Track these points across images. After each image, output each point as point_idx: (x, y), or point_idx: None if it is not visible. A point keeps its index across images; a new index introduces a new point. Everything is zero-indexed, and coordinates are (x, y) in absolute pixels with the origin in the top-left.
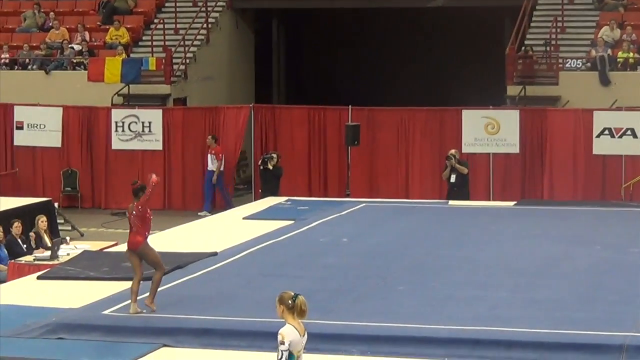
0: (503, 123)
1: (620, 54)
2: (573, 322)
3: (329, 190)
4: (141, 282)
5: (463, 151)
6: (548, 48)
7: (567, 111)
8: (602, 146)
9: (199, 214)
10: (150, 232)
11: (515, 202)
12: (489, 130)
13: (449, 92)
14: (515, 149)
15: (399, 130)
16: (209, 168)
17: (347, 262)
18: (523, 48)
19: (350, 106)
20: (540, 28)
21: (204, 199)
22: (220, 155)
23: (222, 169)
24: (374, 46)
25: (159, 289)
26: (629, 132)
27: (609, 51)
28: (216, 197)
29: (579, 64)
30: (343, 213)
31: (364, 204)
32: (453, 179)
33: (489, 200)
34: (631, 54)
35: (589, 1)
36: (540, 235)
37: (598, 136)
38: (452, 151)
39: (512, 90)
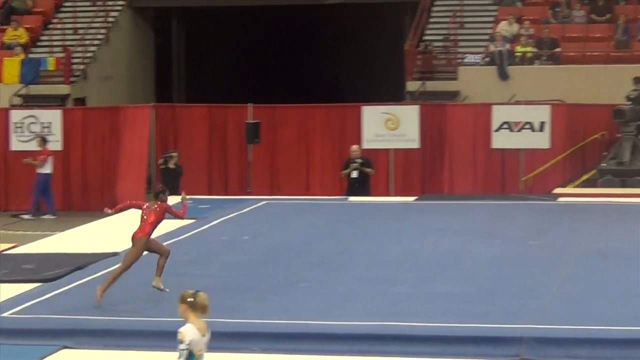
0: (403, 119)
1: (518, 48)
2: (474, 315)
3: (230, 189)
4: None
5: (364, 147)
6: (447, 43)
7: (467, 106)
8: (501, 140)
9: (22, 217)
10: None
11: (416, 197)
12: (389, 126)
13: (350, 88)
14: (416, 144)
15: (300, 127)
16: (41, 171)
17: (248, 260)
18: (422, 43)
19: (250, 104)
20: (439, 23)
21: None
22: (46, 158)
23: (49, 172)
24: (274, 43)
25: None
26: (527, 126)
27: (508, 46)
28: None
29: (477, 59)
30: (244, 211)
31: (265, 202)
32: (355, 174)
33: (390, 195)
34: (529, 48)
35: None
36: (442, 230)
37: (497, 130)
38: (354, 147)
39: (412, 85)
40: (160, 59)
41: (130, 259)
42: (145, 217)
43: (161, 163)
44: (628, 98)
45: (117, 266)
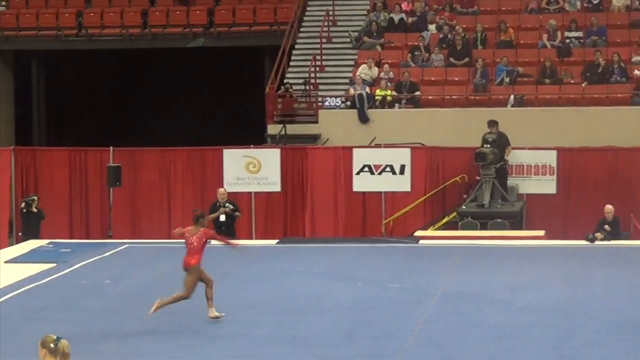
0: (264, 162)
1: (378, 91)
2: (335, 358)
3: (91, 232)
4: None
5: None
6: (307, 87)
7: (327, 149)
8: (362, 183)
9: None
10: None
11: (277, 241)
12: (250, 169)
13: (211, 131)
14: (277, 188)
15: (161, 170)
16: None
17: (109, 304)
18: (283, 87)
19: (111, 147)
20: (300, 67)
21: None
22: None
23: None
24: (136, 86)
25: None
26: (388, 169)
27: (368, 89)
28: None
29: (338, 102)
30: (105, 255)
31: (127, 245)
32: (223, 217)
33: (252, 238)
34: (389, 92)
35: (347, 40)
36: (303, 273)
37: (358, 173)
38: (221, 190)
39: (273, 129)
40: (20, 101)
41: (191, 286)
42: (192, 243)
43: (23, 207)
44: (486, 141)
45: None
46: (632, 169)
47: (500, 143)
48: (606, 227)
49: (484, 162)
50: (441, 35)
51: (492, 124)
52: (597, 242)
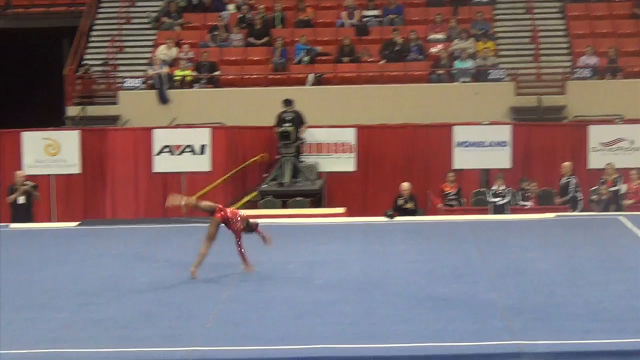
0: (63, 144)
1: (177, 72)
2: (134, 339)
3: None
4: None
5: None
6: (106, 68)
7: (127, 130)
8: (162, 164)
9: None
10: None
11: (78, 223)
12: (49, 152)
13: (9, 114)
14: (77, 170)
15: None
16: None
17: None
18: (81, 68)
19: None
20: (98, 48)
21: None
22: None
23: None
24: None
25: None
26: (188, 149)
27: (167, 69)
28: None
29: (137, 83)
30: None
31: None
32: (22, 200)
33: (52, 221)
34: (188, 72)
35: (146, 21)
36: (102, 255)
37: (158, 154)
38: (20, 173)
39: (72, 110)
40: None
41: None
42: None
43: None
44: (284, 119)
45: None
46: (430, 146)
47: (296, 121)
48: (402, 202)
49: (288, 141)
50: (240, 15)
51: (288, 102)
52: (395, 219)
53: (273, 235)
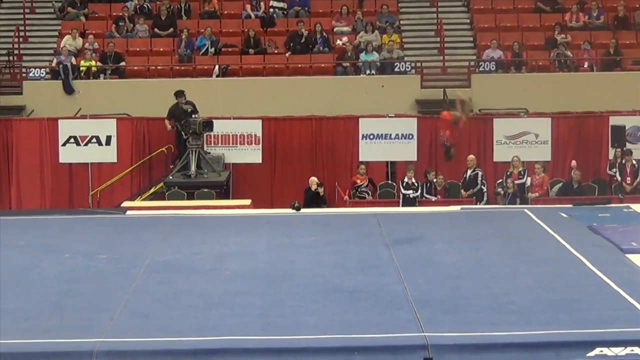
0: None
1: (82, 62)
2: (42, 330)
3: None
4: None
5: None
6: (11, 58)
7: (32, 120)
8: (68, 155)
9: None
10: None
11: None
12: None
13: None
14: None
15: None
16: None
17: None
18: None
19: None
20: (3, 37)
21: None
22: None
23: None
24: None
25: None
26: (94, 140)
27: (72, 60)
28: None
29: (43, 73)
30: None
31: None
32: None
33: None
34: (94, 62)
35: (51, 11)
36: (8, 246)
37: (64, 145)
38: None
39: None
40: None
41: None
42: None
43: None
44: (185, 111)
45: None
46: (336, 138)
47: (195, 112)
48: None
49: (197, 133)
50: (142, 5)
51: (181, 94)
52: (302, 211)
53: (180, 227)
